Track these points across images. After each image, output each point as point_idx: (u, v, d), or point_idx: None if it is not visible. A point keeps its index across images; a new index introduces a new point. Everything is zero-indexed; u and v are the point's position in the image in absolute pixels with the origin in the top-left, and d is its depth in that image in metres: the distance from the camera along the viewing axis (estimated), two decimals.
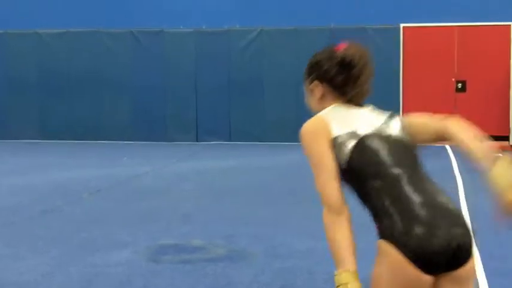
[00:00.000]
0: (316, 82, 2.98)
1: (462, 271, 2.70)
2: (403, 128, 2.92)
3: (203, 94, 16.38)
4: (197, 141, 16.33)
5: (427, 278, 2.66)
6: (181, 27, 16.44)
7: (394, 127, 2.90)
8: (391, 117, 2.95)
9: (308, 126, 2.86)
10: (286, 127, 16.03)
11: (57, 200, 9.28)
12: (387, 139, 2.85)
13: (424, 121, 2.98)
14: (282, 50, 16.20)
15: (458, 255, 2.66)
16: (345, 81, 2.91)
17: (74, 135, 16.70)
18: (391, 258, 2.68)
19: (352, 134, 2.82)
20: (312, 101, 3.04)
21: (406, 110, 15.53)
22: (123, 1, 16.75)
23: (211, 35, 16.34)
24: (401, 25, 15.91)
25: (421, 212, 2.66)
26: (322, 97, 2.99)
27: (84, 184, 10.49)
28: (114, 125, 16.71)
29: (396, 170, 2.77)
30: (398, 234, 2.65)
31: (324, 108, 2.95)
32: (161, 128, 16.52)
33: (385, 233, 2.71)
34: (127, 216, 8.27)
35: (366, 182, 2.79)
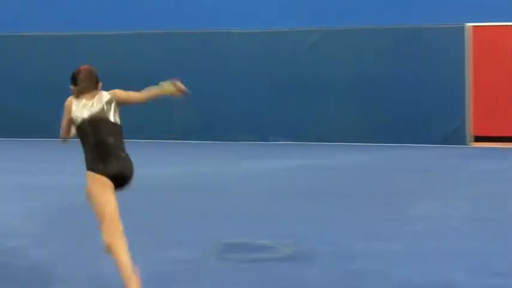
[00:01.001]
0: (72, 86, 5.37)
1: (127, 185, 5.37)
2: (112, 107, 5.43)
3: (269, 94, 16.40)
4: (263, 141, 16.36)
5: (111, 183, 5.20)
6: (248, 28, 16.48)
7: (104, 109, 5.32)
8: (108, 103, 5.38)
9: (67, 100, 5.38)
10: (350, 127, 15.97)
11: (126, 198, 9.40)
12: (96, 119, 5.22)
13: (127, 95, 5.80)
14: (347, 50, 16.11)
15: (124, 177, 5.30)
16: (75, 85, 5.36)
17: (138, 134, 16.87)
18: (92, 175, 5.16)
19: (78, 117, 5.24)
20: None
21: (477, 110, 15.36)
22: (190, 4, 16.86)
23: (277, 36, 16.35)
24: (468, 24, 15.62)
25: (105, 157, 5.17)
26: (74, 92, 5.35)
27: (151, 182, 10.58)
28: (181, 125, 16.85)
29: (94, 137, 5.19)
30: (92, 167, 5.15)
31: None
32: (227, 128, 16.59)
33: (88, 167, 5.18)
34: (195, 214, 8.35)
35: (82, 141, 5.25)
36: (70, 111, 5.27)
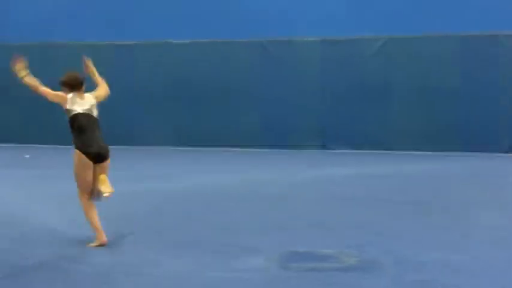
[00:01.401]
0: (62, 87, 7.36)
1: (105, 163, 7.24)
2: (95, 107, 7.37)
3: (330, 102, 16.30)
4: (324, 149, 16.26)
5: (92, 163, 7.12)
6: (309, 36, 16.41)
7: (91, 108, 7.31)
8: (93, 104, 7.35)
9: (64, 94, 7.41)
10: (414, 136, 15.77)
11: (192, 205, 9.46)
12: (87, 114, 7.22)
13: (100, 95, 7.63)
14: (410, 57, 15.92)
15: (102, 157, 7.16)
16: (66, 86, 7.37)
17: (203, 142, 17.00)
18: (79, 154, 7.09)
19: (72, 109, 7.23)
20: (62, 92, 7.33)
21: None
22: (253, 12, 16.87)
23: (338, 44, 16.24)
24: None
25: (89, 141, 7.11)
26: (64, 91, 7.34)
27: (217, 190, 10.66)
28: (242, 132, 16.89)
29: (85, 126, 7.13)
30: (81, 147, 7.08)
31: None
32: (288, 136, 16.56)
33: (77, 147, 7.11)
34: (259, 223, 8.31)
35: (73, 128, 7.20)
36: (64, 99, 7.29)
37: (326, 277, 6.00)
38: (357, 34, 16.14)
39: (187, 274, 6.15)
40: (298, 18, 16.54)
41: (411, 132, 15.80)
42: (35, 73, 18.11)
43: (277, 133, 16.64)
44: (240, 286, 5.79)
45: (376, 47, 16.08)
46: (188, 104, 17.20)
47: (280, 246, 7.02)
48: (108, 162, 7.32)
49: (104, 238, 7.15)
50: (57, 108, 17.76)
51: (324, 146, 16.32)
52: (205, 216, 8.77)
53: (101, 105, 17.00)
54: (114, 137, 17.55)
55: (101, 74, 18.10)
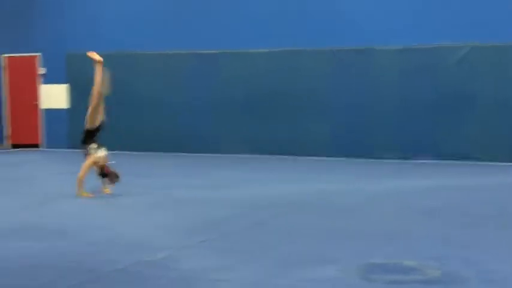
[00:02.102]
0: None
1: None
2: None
3: (410, 112, 16.10)
4: (403, 159, 16.05)
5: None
6: (388, 45, 16.25)
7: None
8: None
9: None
10: (497, 147, 15.43)
11: (265, 213, 9.48)
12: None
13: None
14: (493, 66, 15.59)
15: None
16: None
17: (278, 151, 17.04)
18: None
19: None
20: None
21: None
22: (327, 20, 16.81)
23: (418, 52, 16.03)
24: None
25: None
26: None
27: (292, 198, 10.66)
28: (316, 141, 16.86)
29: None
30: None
31: None
32: (366, 145, 16.42)
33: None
34: (332, 232, 8.27)
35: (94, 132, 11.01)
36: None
37: None
38: (437, 42, 15.90)
39: (261, 281, 6.16)
40: (377, 27, 16.39)
41: (494, 143, 15.45)
42: (119, 82, 18.76)
43: (354, 142, 16.52)
44: None
45: (458, 56, 15.80)
46: (262, 112, 17.26)
47: (357, 257, 6.97)
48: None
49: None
50: (142, 115, 18.15)
51: (402, 157, 16.10)
52: (279, 224, 8.78)
53: (182, 113, 17.44)
54: (191, 145, 17.95)
55: (180, 83, 18.51)
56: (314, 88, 16.86)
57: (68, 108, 19.02)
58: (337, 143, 16.66)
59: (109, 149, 17.95)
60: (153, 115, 18.30)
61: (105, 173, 11.28)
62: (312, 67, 16.86)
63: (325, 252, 7.21)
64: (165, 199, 10.81)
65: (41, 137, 19.67)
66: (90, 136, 11.07)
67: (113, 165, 15.36)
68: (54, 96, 19.08)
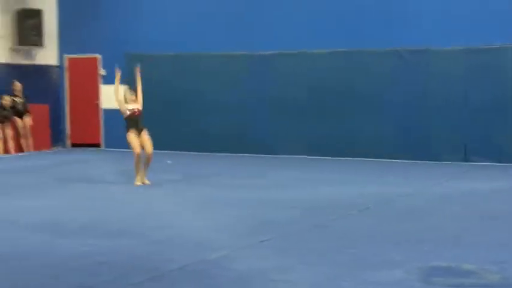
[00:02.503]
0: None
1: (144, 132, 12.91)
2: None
3: (472, 113, 15.87)
4: (465, 161, 15.84)
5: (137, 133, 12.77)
6: (452, 45, 16.06)
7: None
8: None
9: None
10: None
11: (325, 215, 9.46)
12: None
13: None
14: None
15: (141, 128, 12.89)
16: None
17: (338, 152, 16.96)
18: (130, 131, 12.77)
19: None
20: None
21: None
22: (389, 21, 16.68)
23: (484, 53, 15.79)
24: None
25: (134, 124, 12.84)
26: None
27: (351, 201, 10.61)
28: (377, 143, 16.73)
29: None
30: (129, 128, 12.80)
31: None
32: (427, 147, 16.25)
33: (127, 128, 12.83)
34: (395, 235, 8.21)
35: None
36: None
37: None
38: (501, 43, 15.65)
39: (322, 283, 6.15)
40: (438, 27, 16.20)
41: None
42: (169, 82, 18.84)
43: (415, 144, 16.35)
44: None
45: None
46: (323, 113, 17.21)
47: (419, 260, 6.90)
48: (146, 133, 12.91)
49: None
50: (192, 117, 18.27)
51: (465, 158, 15.89)
52: (340, 226, 8.75)
53: (236, 114, 17.54)
54: (247, 146, 17.99)
55: (238, 83, 18.65)
56: (374, 88, 16.74)
57: None
58: (398, 144, 16.50)
59: (172, 148, 18.33)
60: (212, 116, 18.39)
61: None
62: (371, 67, 16.75)
63: (390, 255, 7.15)
64: (224, 199, 10.87)
65: (101, 137, 19.97)
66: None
67: (169, 165, 15.61)
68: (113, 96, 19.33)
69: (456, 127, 15.99)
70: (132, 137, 12.81)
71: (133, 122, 12.90)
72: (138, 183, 12.70)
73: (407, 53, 16.45)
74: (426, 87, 16.29)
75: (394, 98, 16.55)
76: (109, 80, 19.09)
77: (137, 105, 13.02)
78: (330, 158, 16.80)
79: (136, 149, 12.71)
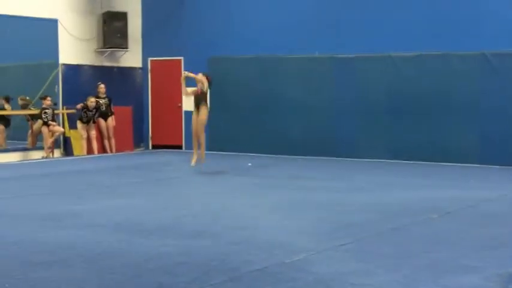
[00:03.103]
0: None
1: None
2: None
3: None
4: None
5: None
6: None
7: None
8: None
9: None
10: None
11: (405, 219, 9.33)
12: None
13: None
14: None
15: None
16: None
17: (419, 156, 16.74)
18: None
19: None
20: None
21: None
22: (475, 23, 16.34)
23: None
24: None
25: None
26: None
27: (433, 205, 10.44)
28: (460, 147, 16.43)
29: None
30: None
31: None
32: (510, 152, 15.84)
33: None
34: (475, 241, 8.05)
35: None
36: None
37: None
38: None
39: (400, 287, 6.07)
40: None
41: None
42: (252, 85, 18.92)
43: (497, 148, 15.99)
44: None
45: None
46: (407, 117, 17.00)
47: (499, 266, 6.74)
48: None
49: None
50: (273, 120, 18.32)
51: None
52: (421, 230, 8.62)
53: (320, 118, 17.51)
54: (330, 149, 17.91)
55: (320, 86, 18.52)
56: (462, 92, 16.43)
57: (209, 111, 19.40)
58: (484, 149, 16.15)
59: (254, 151, 18.42)
60: (295, 118, 18.41)
61: None
62: (459, 70, 16.44)
63: (469, 260, 7.01)
64: (305, 201, 10.85)
65: (183, 139, 20.20)
66: None
67: (250, 167, 15.69)
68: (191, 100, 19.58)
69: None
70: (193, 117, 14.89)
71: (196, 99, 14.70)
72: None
73: (494, 56, 16.06)
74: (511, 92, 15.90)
75: (481, 102, 16.20)
76: (191, 83, 19.34)
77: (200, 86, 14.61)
78: (413, 162, 16.59)
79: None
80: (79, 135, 18.59)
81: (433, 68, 16.74)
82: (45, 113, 17.91)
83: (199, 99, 14.53)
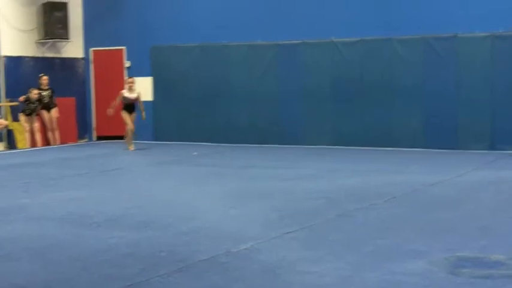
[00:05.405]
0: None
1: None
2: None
3: (499, 101, 15.75)
4: (493, 149, 15.72)
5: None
6: (477, 31, 15.94)
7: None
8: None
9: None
10: None
11: (351, 205, 9.44)
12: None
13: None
14: None
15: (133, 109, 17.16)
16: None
17: (365, 141, 16.92)
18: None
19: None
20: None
21: None
22: (416, 8, 16.56)
23: (508, 39, 15.66)
24: None
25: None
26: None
27: (378, 191, 10.57)
28: (404, 132, 16.67)
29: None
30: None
31: None
32: (453, 136, 16.15)
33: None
34: (421, 225, 8.18)
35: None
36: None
37: (496, 285, 5.79)
38: None
39: (348, 273, 6.15)
40: (465, 13, 16.05)
41: None
42: (194, 73, 18.85)
43: (441, 133, 16.26)
44: None
45: None
46: (350, 103, 17.16)
47: (447, 250, 6.87)
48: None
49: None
50: (219, 108, 18.31)
51: (492, 147, 15.78)
52: (368, 217, 8.73)
53: (265, 105, 17.43)
54: (275, 136, 17.98)
55: (264, 74, 18.53)
56: (404, 77, 16.61)
57: (152, 101, 19.35)
58: (427, 133, 16.40)
59: (200, 140, 18.39)
60: (240, 106, 18.41)
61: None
62: (402, 55, 16.63)
63: (415, 245, 7.12)
64: (252, 190, 10.89)
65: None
66: None
67: (195, 156, 15.68)
68: (139, 88, 19.41)
69: (482, 115, 15.89)
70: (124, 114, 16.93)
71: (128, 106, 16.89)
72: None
73: (434, 40, 16.29)
74: (454, 75, 16.14)
75: (422, 86, 16.44)
76: (134, 72, 19.21)
77: (134, 95, 16.86)
78: (357, 148, 16.76)
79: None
80: (22, 128, 18.32)
81: (376, 53, 16.91)
82: None
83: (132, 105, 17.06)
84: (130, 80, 17.27)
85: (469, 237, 7.54)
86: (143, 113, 16.99)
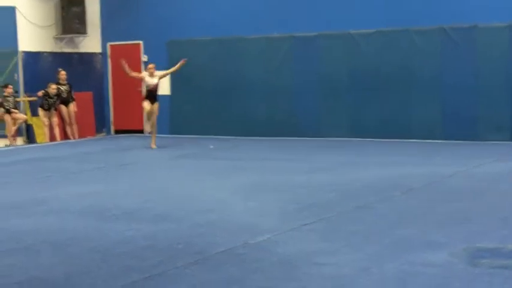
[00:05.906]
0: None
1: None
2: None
3: None
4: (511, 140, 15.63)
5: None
6: (495, 21, 15.81)
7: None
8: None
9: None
10: None
11: (369, 197, 9.41)
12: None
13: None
14: None
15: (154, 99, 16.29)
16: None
17: (383, 133, 16.85)
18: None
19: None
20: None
21: None
22: None
23: None
24: None
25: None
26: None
27: (396, 182, 10.53)
28: (422, 123, 16.59)
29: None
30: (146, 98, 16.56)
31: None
32: (472, 127, 16.04)
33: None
34: (441, 217, 8.14)
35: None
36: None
37: None
38: None
39: (366, 265, 6.13)
40: (484, 3, 15.92)
41: None
42: (212, 67, 18.84)
43: (460, 124, 16.16)
44: (425, 281, 5.70)
45: None
46: (369, 95, 17.09)
47: (466, 241, 6.83)
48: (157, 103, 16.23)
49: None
50: (235, 101, 18.29)
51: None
52: (387, 208, 8.69)
53: (281, 98, 17.32)
54: (292, 129, 17.93)
55: (281, 66, 18.44)
56: (422, 68, 16.52)
57: (170, 95, 19.37)
58: (446, 124, 16.29)
59: (217, 133, 18.40)
60: (257, 99, 18.40)
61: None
62: (420, 46, 16.53)
63: (435, 236, 7.08)
64: (269, 182, 10.87)
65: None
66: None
67: (212, 150, 15.69)
68: None
69: (501, 106, 15.77)
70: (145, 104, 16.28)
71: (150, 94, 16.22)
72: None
73: (453, 30, 16.17)
74: (472, 66, 16.02)
75: (441, 77, 16.33)
76: None
77: (155, 80, 16.23)
78: (376, 139, 16.69)
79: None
80: (41, 123, 18.42)
81: (393, 44, 16.82)
82: (7, 101, 17.83)
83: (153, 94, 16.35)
84: (151, 65, 16.32)
85: (488, 227, 7.49)
86: (181, 62, 16.40)
